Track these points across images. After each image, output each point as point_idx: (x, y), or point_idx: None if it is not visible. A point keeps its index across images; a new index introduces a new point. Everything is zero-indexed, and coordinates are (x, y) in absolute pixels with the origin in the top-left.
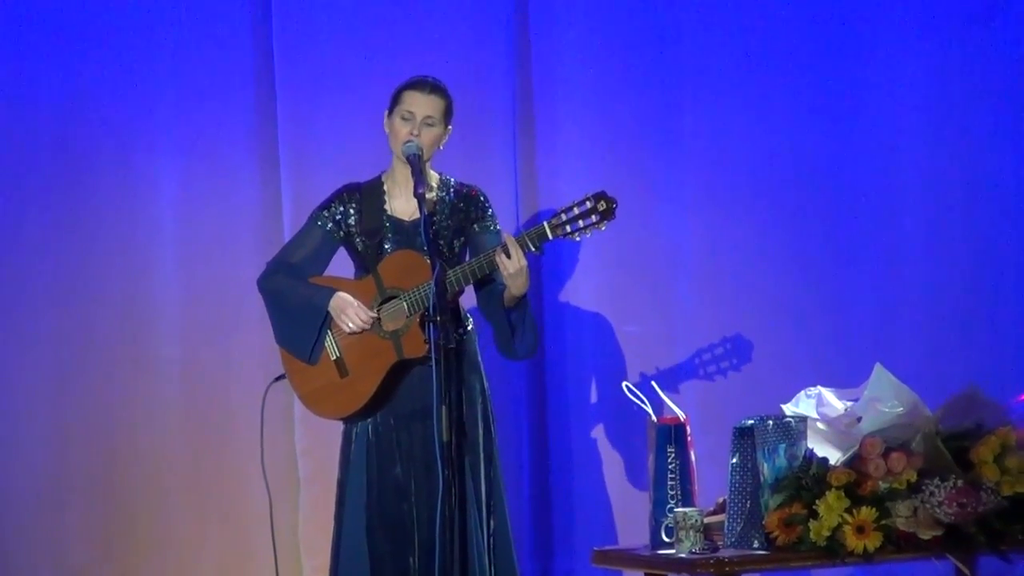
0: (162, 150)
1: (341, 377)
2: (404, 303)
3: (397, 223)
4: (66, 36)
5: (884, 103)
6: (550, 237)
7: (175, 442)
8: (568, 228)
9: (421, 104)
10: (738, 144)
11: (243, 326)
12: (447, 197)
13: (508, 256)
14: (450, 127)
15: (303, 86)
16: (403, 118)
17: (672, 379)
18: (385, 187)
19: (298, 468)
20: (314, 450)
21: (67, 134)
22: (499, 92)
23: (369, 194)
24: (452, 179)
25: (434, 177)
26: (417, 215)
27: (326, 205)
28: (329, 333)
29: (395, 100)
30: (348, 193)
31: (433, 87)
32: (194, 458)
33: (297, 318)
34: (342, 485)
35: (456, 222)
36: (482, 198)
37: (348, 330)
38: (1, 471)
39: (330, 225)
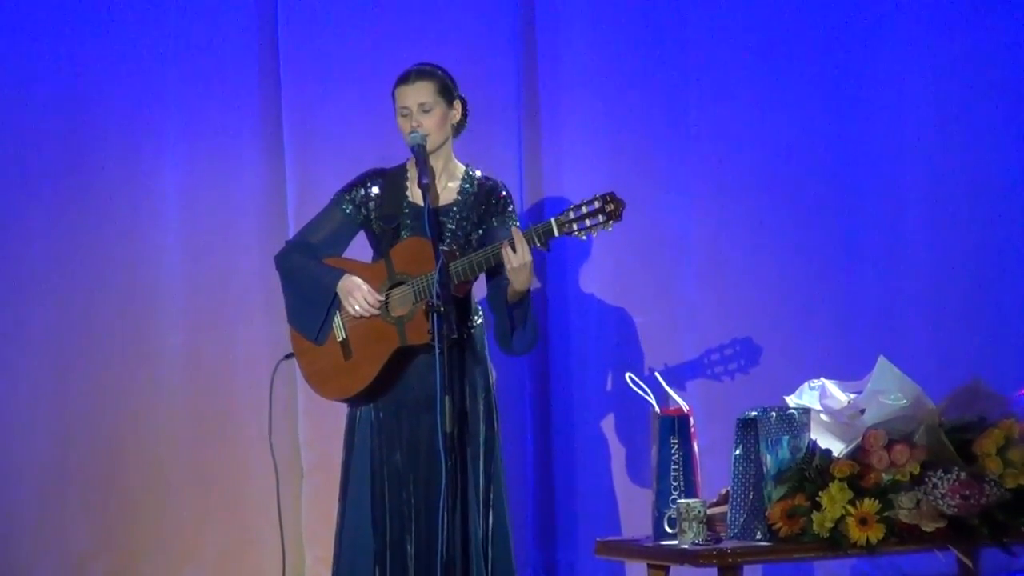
0: (165, 137)
1: (345, 359)
2: (411, 289)
3: (417, 210)
4: (69, 22)
5: (889, 96)
6: (556, 234)
7: (177, 431)
8: (575, 227)
9: (410, 96)
10: (743, 136)
11: (246, 314)
12: (470, 189)
13: (513, 250)
14: (456, 101)
15: (308, 74)
16: (402, 115)
17: (676, 370)
18: (409, 174)
19: (301, 458)
20: (317, 441)
21: (69, 121)
22: (504, 82)
23: (392, 179)
24: (478, 172)
25: (459, 168)
26: (440, 203)
27: (349, 187)
28: (338, 315)
29: (393, 100)
30: (372, 176)
31: (418, 74)
32: (196, 447)
33: (307, 297)
34: (346, 470)
35: (476, 215)
36: (504, 192)
37: (354, 313)
38: (3, 459)
39: (350, 208)
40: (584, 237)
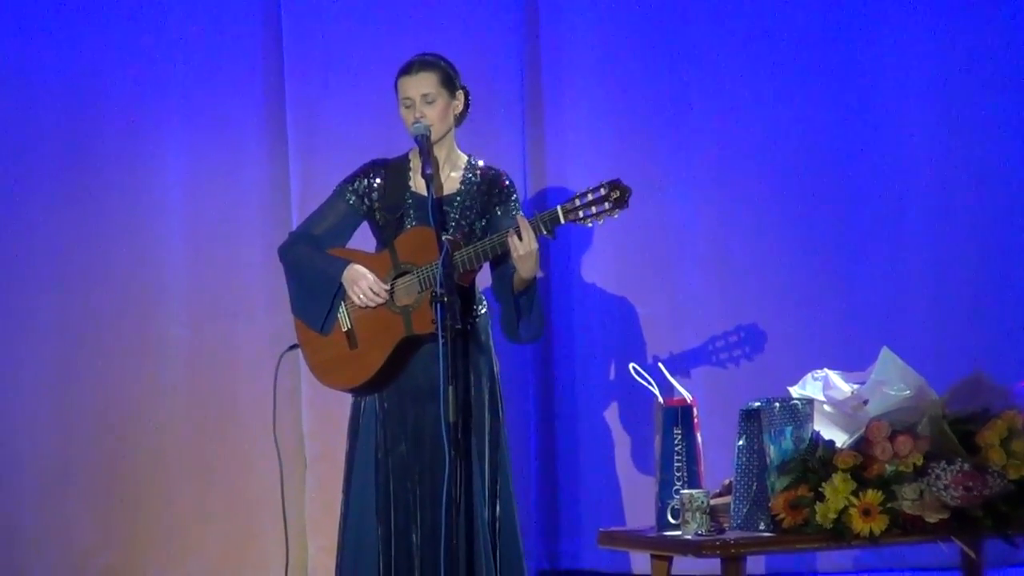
0: (169, 129)
1: (351, 349)
2: (416, 279)
3: (420, 200)
4: (73, 13)
5: (892, 90)
6: (562, 221)
7: (180, 423)
8: (581, 214)
9: (413, 87)
10: (747, 129)
11: (250, 306)
12: (473, 179)
13: (520, 238)
14: (459, 92)
15: (311, 66)
16: (405, 106)
17: (680, 361)
18: (411, 164)
19: (305, 449)
20: (321, 431)
21: (73, 114)
22: (508, 74)
23: (395, 170)
24: (480, 162)
25: (461, 158)
26: (443, 193)
27: (352, 178)
28: (343, 305)
29: (396, 92)
30: (374, 167)
31: (421, 65)
32: (199, 439)
33: (312, 288)
34: (350, 460)
35: (480, 204)
36: (507, 182)
37: (359, 302)
38: (6, 453)
39: (353, 199)
40: (590, 224)
